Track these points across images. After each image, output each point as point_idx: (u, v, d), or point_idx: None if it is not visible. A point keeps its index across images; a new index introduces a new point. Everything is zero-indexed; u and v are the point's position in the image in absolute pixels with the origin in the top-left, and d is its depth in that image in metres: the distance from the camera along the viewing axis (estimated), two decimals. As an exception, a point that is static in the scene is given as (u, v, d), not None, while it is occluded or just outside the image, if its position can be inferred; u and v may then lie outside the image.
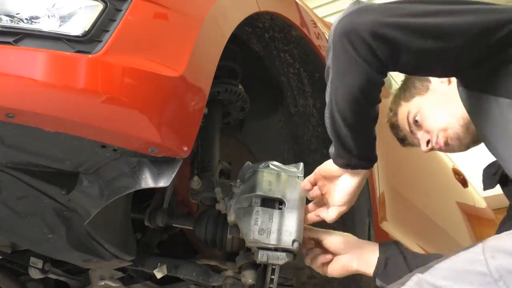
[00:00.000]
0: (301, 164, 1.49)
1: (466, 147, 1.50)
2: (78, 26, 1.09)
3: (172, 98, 1.16)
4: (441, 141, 1.49)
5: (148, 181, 1.20)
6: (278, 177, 1.43)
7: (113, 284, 1.74)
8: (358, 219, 1.87)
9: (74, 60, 1.07)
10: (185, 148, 1.19)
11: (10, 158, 1.20)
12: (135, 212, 1.52)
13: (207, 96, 1.26)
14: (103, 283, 1.72)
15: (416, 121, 1.55)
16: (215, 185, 1.46)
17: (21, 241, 1.49)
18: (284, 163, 1.49)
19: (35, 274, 1.61)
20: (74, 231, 1.38)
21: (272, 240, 1.36)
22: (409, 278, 1.16)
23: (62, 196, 1.29)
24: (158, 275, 1.58)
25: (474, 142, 1.48)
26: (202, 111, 1.24)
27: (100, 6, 1.11)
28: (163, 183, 1.20)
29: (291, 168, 1.47)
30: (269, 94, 1.89)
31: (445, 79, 1.51)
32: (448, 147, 1.50)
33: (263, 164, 1.46)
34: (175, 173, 1.19)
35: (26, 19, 1.09)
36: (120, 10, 1.12)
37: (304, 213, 1.41)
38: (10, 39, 1.06)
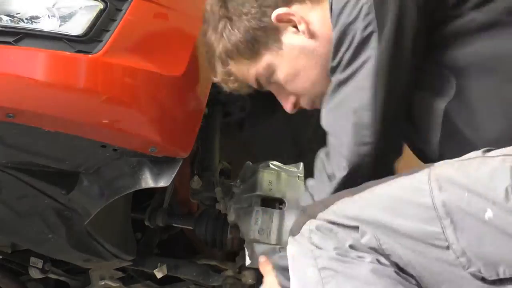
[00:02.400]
0: (301, 164, 1.49)
1: None
2: (78, 26, 1.09)
3: (172, 98, 1.16)
4: (309, 105, 1.27)
5: (148, 181, 1.21)
6: (278, 177, 1.43)
7: (113, 284, 1.74)
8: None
9: (74, 60, 1.07)
10: (185, 148, 1.19)
11: (10, 158, 1.20)
12: (135, 212, 1.52)
13: (207, 95, 1.26)
14: (103, 283, 1.72)
15: (272, 82, 1.23)
16: (215, 185, 1.46)
17: (21, 241, 1.49)
18: (284, 163, 1.50)
19: (35, 274, 1.61)
20: (74, 231, 1.38)
21: (272, 240, 1.36)
22: (335, 203, 0.99)
23: (62, 196, 1.29)
24: (158, 275, 1.58)
25: None
26: (202, 111, 1.24)
27: (100, 6, 1.11)
28: (163, 183, 1.20)
29: (291, 168, 1.47)
30: (269, 94, 1.88)
31: (304, 29, 1.15)
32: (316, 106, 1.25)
33: (263, 164, 1.46)
34: (175, 173, 1.19)
35: (26, 19, 1.09)
36: (120, 10, 1.12)
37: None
38: (11, 39, 1.06)
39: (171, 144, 1.17)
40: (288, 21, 1.15)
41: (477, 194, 0.86)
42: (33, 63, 1.06)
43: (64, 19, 1.10)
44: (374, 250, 0.93)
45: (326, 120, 1.11)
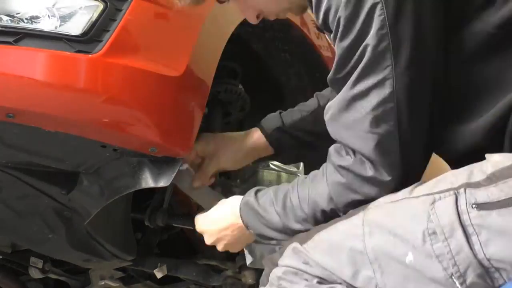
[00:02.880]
0: (301, 164, 1.49)
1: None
2: (78, 26, 1.09)
3: (172, 98, 1.16)
4: (272, 18, 1.19)
5: (148, 181, 1.20)
6: (279, 177, 1.43)
7: (113, 284, 1.74)
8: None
9: (74, 59, 1.07)
10: (185, 148, 1.19)
11: (10, 158, 1.20)
12: (135, 212, 1.52)
13: (207, 96, 1.26)
14: (103, 282, 1.72)
15: None
16: (215, 185, 1.45)
17: (21, 241, 1.49)
18: (284, 163, 1.49)
19: (35, 274, 1.61)
20: (74, 231, 1.38)
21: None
22: (287, 247, 1.05)
23: (62, 196, 1.29)
24: (158, 275, 1.58)
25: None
26: (202, 111, 1.24)
27: (100, 6, 1.11)
28: (163, 183, 1.20)
29: (291, 168, 1.47)
30: (269, 94, 1.88)
31: None
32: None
33: (263, 164, 1.46)
34: (175, 173, 1.19)
35: (26, 19, 1.09)
36: (120, 10, 1.12)
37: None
38: (11, 39, 1.06)
39: (171, 144, 1.17)
40: None
41: (400, 238, 0.90)
42: (33, 63, 1.06)
43: (64, 19, 1.09)
44: (338, 284, 0.98)
45: (336, 133, 1.05)
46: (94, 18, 1.09)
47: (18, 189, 1.28)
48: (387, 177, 0.98)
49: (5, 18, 1.09)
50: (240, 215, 1.17)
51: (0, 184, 1.28)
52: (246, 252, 1.37)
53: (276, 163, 1.47)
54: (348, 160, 1.00)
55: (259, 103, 1.83)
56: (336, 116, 1.01)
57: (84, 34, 1.08)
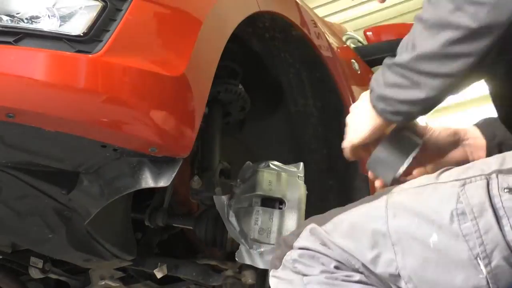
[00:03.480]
0: (301, 164, 1.49)
1: None
2: (78, 26, 1.09)
3: (172, 97, 1.16)
4: None
5: (148, 181, 1.20)
6: (279, 177, 1.43)
7: (113, 284, 1.74)
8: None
9: (75, 60, 1.07)
10: (185, 148, 1.19)
11: (10, 158, 1.20)
12: (135, 212, 1.52)
13: (207, 96, 1.26)
14: (103, 282, 1.72)
15: None
16: (215, 185, 1.46)
17: (21, 241, 1.49)
18: (284, 163, 1.50)
19: (35, 273, 1.62)
20: (75, 230, 1.38)
21: (272, 240, 1.36)
22: (304, 228, 1.03)
23: (63, 196, 1.29)
24: (158, 274, 1.58)
25: None
26: (202, 110, 1.24)
27: (100, 6, 1.11)
28: (163, 183, 1.20)
29: (291, 168, 1.47)
30: (269, 94, 1.89)
31: None
32: None
33: (263, 164, 1.47)
34: (175, 173, 1.19)
35: (26, 19, 1.09)
36: (121, 10, 1.12)
37: (304, 213, 1.41)
38: (11, 39, 1.06)
39: (171, 144, 1.17)
40: None
41: (425, 219, 0.89)
42: (33, 63, 1.06)
43: (64, 19, 1.09)
44: (356, 270, 0.95)
45: None
46: (94, 18, 1.09)
47: (18, 189, 1.28)
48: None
49: (5, 18, 1.09)
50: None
51: (0, 184, 1.28)
52: (243, 249, 1.37)
53: (276, 163, 1.48)
54: None
55: (259, 103, 1.83)
56: None
57: (84, 34, 1.08)
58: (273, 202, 1.40)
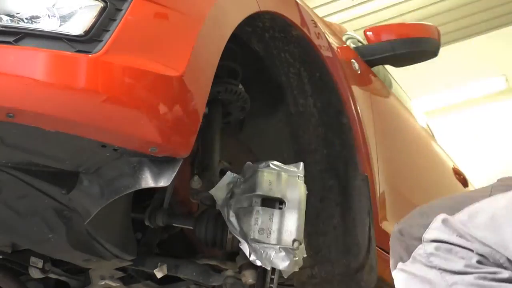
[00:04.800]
0: (301, 164, 1.49)
1: None
2: (78, 26, 1.09)
3: (172, 97, 1.16)
4: None
5: (148, 181, 1.20)
6: (279, 176, 1.43)
7: (113, 284, 1.74)
8: (359, 219, 1.87)
9: (75, 59, 1.07)
10: (185, 148, 1.19)
11: (10, 158, 1.20)
12: (135, 212, 1.52)
13: (207, 95, 1.26)
14: (103, 282, 1.72)
15: None
16: (215, 185, 1.46)
17: (21, 241, 1.49)
18: (284, 163, 1.49)
19: (35, 273, 1.61)
20: (75, 230, 1.38)
21: (272, 240, 1.36)
22: (433, 219, 0.95)
23: (63, 196, 1.29)
24: (158, 274, 1.58)
25: None
26: (202, 110, 1.24)
27: (100, 6, 1.11)
28: (163, 182, 1.20)
29: (292, 168, 1.47)
30: (269, 94, 1.89)
31: None
32: None
33: (263, 164, 1.46)
34: (175, 173, 1.19)
35: (26, 18, 1.09)
36: (121, 10, 1.12)
37: (305, 213, 1.41)
38: (11, 39, 1.06)
39: (172, 144, 1.17)
40: None
41: None
42: (33, 63, 1.06)
43: (64, 18, 1.10)
44: (501, 265, 0.89)
45: None
46: (94, 18, 1.09)
47: (18, 189, 1.28)
48: None
49: (5, 18, 1.09)
50: None
51: (0, 184, 1.28)
52: (246, 251, 1.37)
53: (276, 163, 1.47)
54: None
55: (259, 103, 1.83)
56: None
57: (84, 34, 1.08)
58: (273, 202, 1.40)
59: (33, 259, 1.59)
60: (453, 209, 0.95)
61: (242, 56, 1.70)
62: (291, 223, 1.38)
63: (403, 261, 0.98)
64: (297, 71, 1.81)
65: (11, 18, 1.09)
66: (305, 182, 1.46)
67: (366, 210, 1.87)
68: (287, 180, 1.43)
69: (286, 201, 1.40)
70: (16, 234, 1.44)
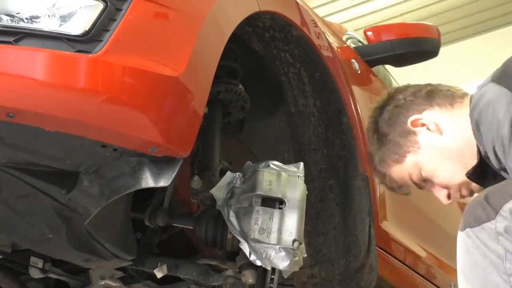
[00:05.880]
0: (301, 163, 1.48)
1: None
2: (78, 26, 1.09)
3: (172, 97, 1.16)
4: (466, 194, 1.38)
5: (148, 181, 1.20)
6: (279, 176, 1.43)
7: (114, 284, 1.74)
8: (359, 219, 1.87)
9: (75, 59, 1.07)
10: (185, 148, 1.19)
11: (10, 158, 1.20)
12: (135, 212, 1.52)
13: (207, 95, 1.26)
14: (103, 282, 1.72)
15: (424, 180, 1.41)
16: (215, 185, 1.46)
17: (21, 241, 1.49)
18: (284, 163, 1.49)
19: (35, 273, 1.61)
20: (75, 230, 1.38)
21: (273, 240, 1.36)
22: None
23: (63, 196, 1.29)
24: (159, 274, 1.58)
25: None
26: (202, 110, 1.24)
27: (100, 6, 1.11)
28: (163, 182, 1.20)
29: (292, 168, 1.47)
30: (269, 94, 1.89)
31: (434, 128, 1.37)
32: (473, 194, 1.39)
33: (263, 164, 1.46)
34: (175, 173, 1.19)
35: (26, 18, 1.09)
36: (121, 10, 1.12)
37: (305, 213, 1.41)
38: (11, 39, 1.06)
39: (171, 144, 1.17)
40: (421, 124, 1.38)
41: None
42: (33, 63, 1.06)
43: (64, 18, 1.09)
44: None
45: None
46: (94, 18, 1.09)
47: (18, 189, 1.28)
48: None
49: (5, 18, 1.09)
50: None
51: (0, 184, 1.28)
52: (246, 251, 1.37)
53: (276, 163, 1.47)
54: None
55: (259, 103, 1.83)
56: None
57: (84, 34, 1.08)
58: (273, 202, 1.40)
59: (33, 259, 1.59)
60: None
61: (242, 56, 1.70)
62: (291, 223, 1.38)
63: (472, 226, 1.03)
64: (297, 71, 1.81)
65: (11, 18, 1.09)
66: (305, 182, 1.46)
67: (366, 210, 1.87)
68: (287, 180, 1.43)
69: (286, 201, 1.40)
70: (16, 234, 1.44)
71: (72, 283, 1.80)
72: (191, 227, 1.54)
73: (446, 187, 1.38)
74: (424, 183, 1.42)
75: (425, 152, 1.37)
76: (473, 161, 1.26)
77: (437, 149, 1.35)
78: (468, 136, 1.24)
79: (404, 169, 1.42)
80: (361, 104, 1.95)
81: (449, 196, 1.39)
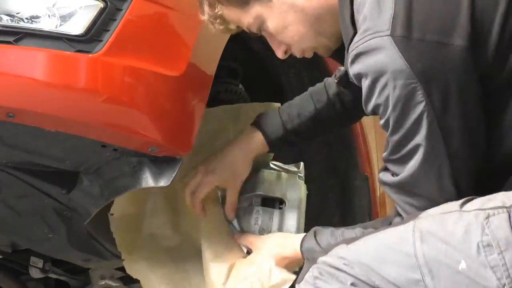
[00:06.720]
0: (301, 163, 1.48)
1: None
2: (78, 26, 1.09)
3: (173, 97, 1.16)
4: (309, 56, 1.26)
5: (148, 181, 1.20)
6: (279, 176, 1.43)
7: (114, 284, 1.74)
8: (359, 219, 1.87)
9: (75, 59, 1.07)
10: (185, 148, 1.19)
11: (10, 158, 1.20)
12: (135, 212, 1.52)
13: (207, 95, 1.26)
14: (103, 282, 1.73)
15: (264, 31, 1.21)
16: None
17: (21, 241, 1.49)
18: (284, 163, 1.49)
19: (35, 273, 1.62)
20: (75, 230, 1.38)
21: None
22: (333, 249, 1.08)
23: (63, 196, 1.29)
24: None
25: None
26: (202, 111, 1.24)
27: (100, 6, 1.11)
28: (163, 182, 1.20)
29: (291, 168, 1.47)
30: (269, 94, 1.88)
31: None
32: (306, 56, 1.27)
33: (263, 164, 1.46)
34: (175, 173, 1.19)
35: (26, 18, 1.09)
36: (121, 10, 1.12)
37: (305, 213, 1.41)
38: (11, 39, 1.06)
39: (172, 144, 1.17)
40: None
41: (453, 247, 0.94)
42: (33, 63, 1.06)
43: (64, 18, 1.10)
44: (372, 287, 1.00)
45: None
46: (94, 18, 1.09)
47: (18, 189, 1.28)
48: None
49: (5, 17, 1.09)
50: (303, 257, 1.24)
51: (1, 184, 1.28)
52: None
53: (276, 163, 1.47)
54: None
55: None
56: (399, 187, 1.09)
57: (84, 33, 1.08)
58: (273, 202, 1.40)
59: (33, 259, 1.59)
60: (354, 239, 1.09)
61: (243, 56, 1.70)
62: (291, 223, 1.38)
63: (298, 282, 1.11)
64: (297, 71, 1.81)
65: (11, 18, 1.09)
66: (305, 182, 1.46)
67: (366, 210, 1.88)
68: (287, 180, 1.43)
69: (286, 201, 1.40)
70: (16, 233, 1.44)
71: (72, 283, 1.80)
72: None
73: (287, 45, 1.22)
74: (261, 32, 1.22)
75: (276, 6, 1.15)
76: (331, 29, 1.15)
77: (290, 6, 1.14)
78: (333, 2, 1.11)
79: (243, 16, 1.18)
80: (361, 104, 1.95)
81: (286, 53, 1.25)
